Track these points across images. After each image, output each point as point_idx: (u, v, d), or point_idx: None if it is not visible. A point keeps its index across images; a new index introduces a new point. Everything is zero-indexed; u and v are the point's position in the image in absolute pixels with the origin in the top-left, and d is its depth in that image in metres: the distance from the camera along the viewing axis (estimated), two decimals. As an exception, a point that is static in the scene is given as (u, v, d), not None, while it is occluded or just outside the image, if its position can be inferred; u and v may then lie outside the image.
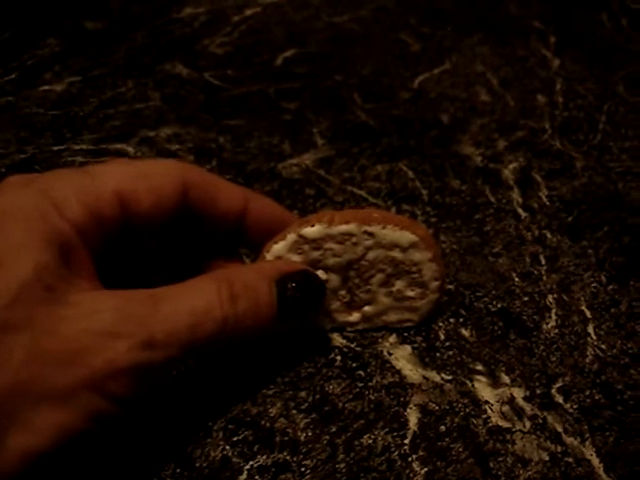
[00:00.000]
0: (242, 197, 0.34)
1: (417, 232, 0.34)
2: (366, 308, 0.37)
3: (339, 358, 0.36)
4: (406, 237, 0.34)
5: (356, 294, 0.36)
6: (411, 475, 0.31)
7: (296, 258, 0.34)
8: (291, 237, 0.33)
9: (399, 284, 0.36)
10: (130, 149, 0.52)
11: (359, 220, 0.33)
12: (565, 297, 0.40)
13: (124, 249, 0.34)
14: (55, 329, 0.24)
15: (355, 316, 0.37)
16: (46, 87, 0.60)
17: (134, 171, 0.31)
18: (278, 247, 0.34)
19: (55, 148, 0.52)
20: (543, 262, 0.42)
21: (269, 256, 0.34)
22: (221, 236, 0.36)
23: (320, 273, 0.34)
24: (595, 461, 0.32)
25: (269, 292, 0.30)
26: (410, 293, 0.36)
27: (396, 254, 0.34)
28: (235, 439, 0.32)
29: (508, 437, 0.32)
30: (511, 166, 0.50)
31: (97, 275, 0.29)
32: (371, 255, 0.34)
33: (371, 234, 0.34)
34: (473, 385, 0.35)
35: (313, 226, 0.33)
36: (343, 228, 0.33)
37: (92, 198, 0.28)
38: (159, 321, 0.26)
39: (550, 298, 0.40)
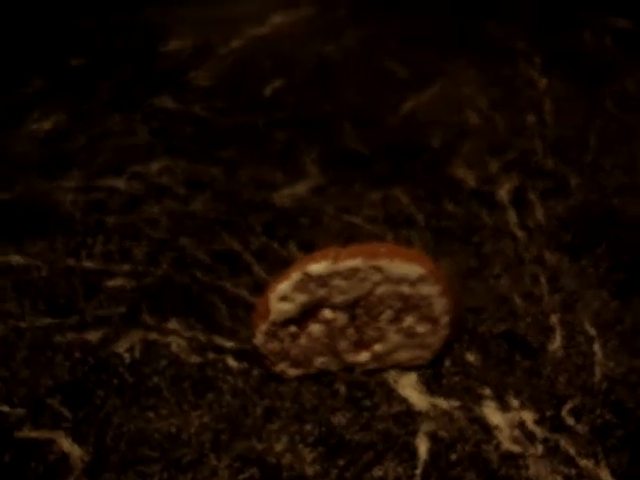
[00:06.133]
0: None
1: (425, 265, 0.33)
2: (376, 347, 0.35)
3: (344, 388, 0.35)
4: (414, 270, 0.33)
5: (365, 332, 0.35)
6: (424, 507, 0.30)
7: (302, 297, 0.33)
8: (296, 275, 0.33)
9: (409, 320, 0.35)
10: (120, 184, 0.51)
11: (366, 254, 0.33)
12: (568, 316, 0.39)
13: None
14: None
15: (364, 355, 0.36)
16: (33, 126, 0.60)
17: None
18: (283, 287, 0.33)
19: (44, 187, 0.51)
20: (544, 282, 0.42)
21: (274, 297, 0.33)
22: None
23: (327, 312, 0.34)
24: (611, 483, 0.31)
25: None
26: (421, 329, 0.35)
27: (405, 288, 0.33)
28: (241, 477, 0.31)
29: (521, 462, 0.32)
30: (505, 187, 0.50)
31: None
32: (379, 290, 0.33)
33: (378, 268, 0.33)
34: (482, 410, 0.34)
35: (318, 263, 0.32)
36: (350, 263, 0.32)
37: None
38: None
39: (554, 318, 0.39)
